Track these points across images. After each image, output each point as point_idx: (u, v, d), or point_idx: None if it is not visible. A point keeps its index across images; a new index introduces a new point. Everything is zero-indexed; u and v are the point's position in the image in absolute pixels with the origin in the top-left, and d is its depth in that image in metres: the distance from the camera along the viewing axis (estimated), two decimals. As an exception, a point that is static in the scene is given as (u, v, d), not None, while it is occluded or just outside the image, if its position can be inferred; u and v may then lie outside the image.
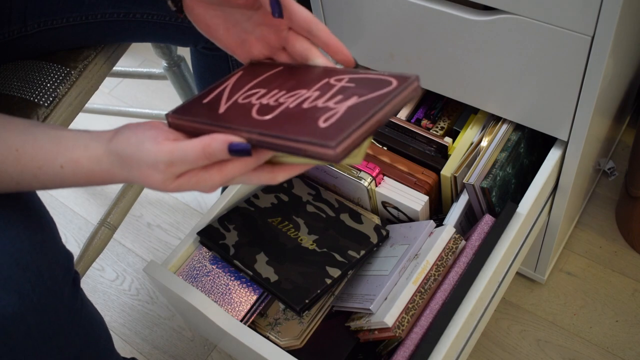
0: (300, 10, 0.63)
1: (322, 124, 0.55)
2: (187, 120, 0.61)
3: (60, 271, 0.67)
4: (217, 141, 0.54)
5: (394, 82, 0.59)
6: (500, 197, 0.90)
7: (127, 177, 0.58)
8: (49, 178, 0.60)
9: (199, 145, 0.54)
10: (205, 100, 0.66)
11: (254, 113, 0.59)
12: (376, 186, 0.93)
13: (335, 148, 0.51)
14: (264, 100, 0.61)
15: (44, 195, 1.52)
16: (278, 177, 0.58)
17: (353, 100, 0.59)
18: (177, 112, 0.62)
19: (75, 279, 0.72)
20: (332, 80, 0.61)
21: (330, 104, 0.58)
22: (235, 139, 0.55)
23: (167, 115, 0.62)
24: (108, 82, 1.73)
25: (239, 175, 0.57)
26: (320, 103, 0.59)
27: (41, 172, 0.59)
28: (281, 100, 0.61)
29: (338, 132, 0.52)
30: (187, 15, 0.68)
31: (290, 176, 0.59)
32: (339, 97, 0.59)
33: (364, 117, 0.55)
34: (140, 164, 0.56)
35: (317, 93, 0.60)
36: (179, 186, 0.56)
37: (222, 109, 0.62)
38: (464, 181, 0.89)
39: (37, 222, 0.66)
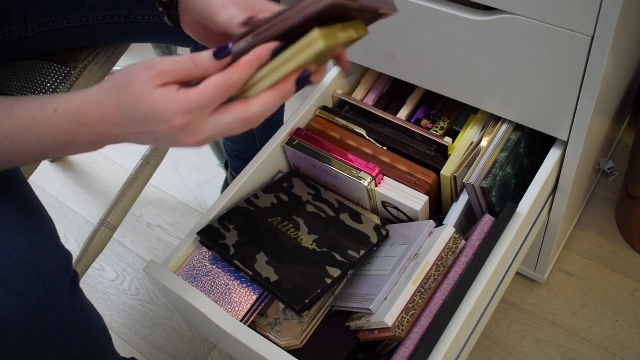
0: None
1: None
2: None
3: (59, 271, 0.67)
4: (205, 51, 0.57)
5: None
6: (500, 197, 0.90)
7: (115, 100, 0.57)
8: (43, 128, 0.59)
9: (188, 55, 0.57)
10: None
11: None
12: (376, 186, 0.93)
13: None
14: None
15: (44, 195, 1.53)
16: (251, 107, 0.58)
17: None
18: None
19: (75, 279, 0.71)
20: None
21: None
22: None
23: None
24: (108, 82, 1.73)
25: (214, 95, 0.56)
26: None
27: (35, 122, 0.58)
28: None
29: None
30: (185, 30, 0.72)
31: (264, 105, 0.58)
32: None
33: None
34: (130, 73, 0.56)
35: None
36: (157, 96, 0.56)
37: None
38: (464, 181, 0.89)
39: (35, 222, 0.66)
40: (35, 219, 0.67)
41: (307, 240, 0.91)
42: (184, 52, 1.27)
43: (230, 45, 0.57)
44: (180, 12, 0.71)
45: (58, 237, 0.69)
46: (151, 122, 0.56)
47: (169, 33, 0.96)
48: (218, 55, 0.57)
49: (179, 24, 0.73)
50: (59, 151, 0.61)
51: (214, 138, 0.58)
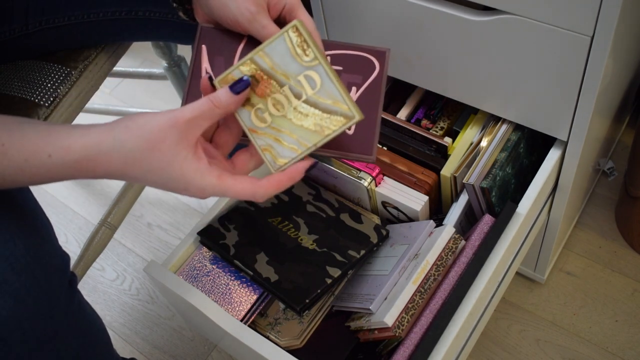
0: (305, 20, 0.68)
1: (348, 130, 0.66)
2: None
3: (56, 274, 0.66)
4: (221, 89, 0.60)
5: (376, 63, 0.69)
6: (500, 197, 0.90)
7: (134, 157, 0.57)
8: (35, 171, 0.57)
9: (204, 98, 0.59)
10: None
11: None
12: (376, 186, 0.93)
13: (372, 155, 0.67)
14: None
15: (44, 195, 1.53)
16: (262, 190, 0.62)
17: (355, 93, 0.68)
18: None
19: (72, 281, 0.71)
20: None
21: None
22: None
23: None
24: (108, 82, 1.73)
25: (240, 194, 0.60)
26: None
27: (27, 165, 0.57)
28: None
29: (369, 140, 0.67)
30: (200, 22, 0.73)
31: (274, 191, 0.62)
32: None
33: (376, 118, 0.66)
34: (153, 130, 0.57)
35: None
36: (193, 167, 0.58)
37: None
38: (463, 181, 0.89)
39: (32, 225, 0.66)
40: (33, 222, 0.66)
41: (307, 240, 0.91)
42: (183, 51, 1.27)
43: (245, 77, 0.61)
44: (194, 4, 0.73)
45: (56, 240, 0.69)
46: (175, 183, 0.59)
47: (171, 30, 0.96)
48: (236, 89, 0.60)
49: (194, 17, 0.74)
50: (52, 182, 0.61)
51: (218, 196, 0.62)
